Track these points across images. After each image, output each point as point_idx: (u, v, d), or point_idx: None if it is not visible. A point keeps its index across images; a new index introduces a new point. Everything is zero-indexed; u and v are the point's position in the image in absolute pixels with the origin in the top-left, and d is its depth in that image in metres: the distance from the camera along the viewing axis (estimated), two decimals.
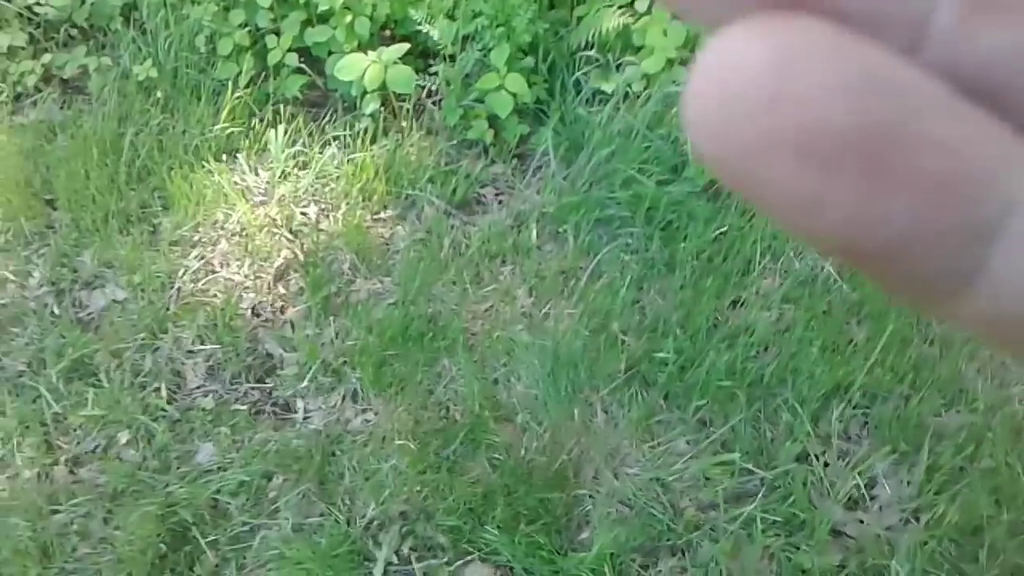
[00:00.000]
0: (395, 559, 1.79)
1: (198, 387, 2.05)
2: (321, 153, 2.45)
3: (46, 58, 2.62)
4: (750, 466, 1.92)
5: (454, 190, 2.39)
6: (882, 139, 0.14)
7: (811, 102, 0.14)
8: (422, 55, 2.54)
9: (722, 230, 2.26)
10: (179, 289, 2.19)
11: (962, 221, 0.15)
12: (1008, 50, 0.15)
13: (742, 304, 2.18)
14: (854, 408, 2.01)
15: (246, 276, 2.23)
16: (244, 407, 2.01)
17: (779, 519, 1.85)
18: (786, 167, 0.14)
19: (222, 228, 2.31)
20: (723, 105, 0.15)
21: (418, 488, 1.87)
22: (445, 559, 1.80)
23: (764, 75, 0.14)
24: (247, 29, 2.53)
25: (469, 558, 1.80)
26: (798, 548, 1.82)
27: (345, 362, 2.08)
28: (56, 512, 1.84)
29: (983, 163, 0.15)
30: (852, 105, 0.14)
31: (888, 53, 0.15)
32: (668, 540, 1.84)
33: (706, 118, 0.15)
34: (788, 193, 0.15)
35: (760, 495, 1.88)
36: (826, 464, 1.93)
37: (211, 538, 1.82)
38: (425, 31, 2.40)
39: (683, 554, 1.83)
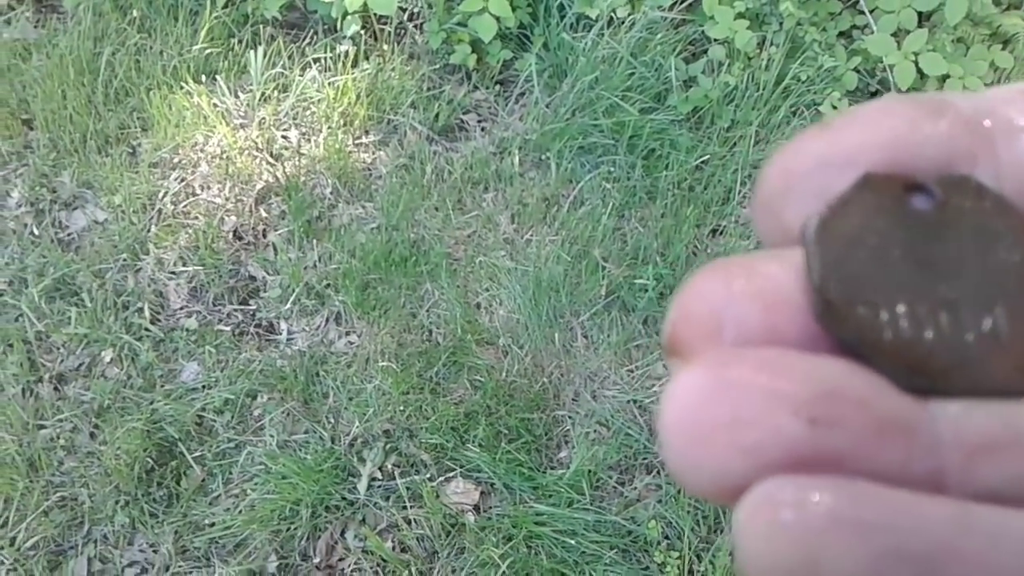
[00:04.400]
0: (379, 474, 1.83)
1: (181, 308, 2.05)
2: (301, 76, 2.41)
3: None
4: None
5: (436, 116, 2.38)
6: None
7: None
8: None
9: (703, 159, 2.28)
10: (160, 211, 2.18)
11: None
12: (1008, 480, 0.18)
13: (721, 232, 2.21)
14: None
15: (227, 199, 2.22)
16: (228, 328, 2.02)
17: None
18: None
19: (202, 151, 2.29)
20: None
21: (401, 408, 1.91)
22: (428, 475, 1.84)
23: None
24: None
25: (451, 474, 1.85)
26: None
27: (328, 285, 2.09)
28: (42, 427, 1.86)
29: None
30: None
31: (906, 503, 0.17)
32: (644, 458, 1.90)
33: None
34: None
35: None
36: None
37: (197, 453, 1.85)
38: None
39: (658, 472, 1.89)
